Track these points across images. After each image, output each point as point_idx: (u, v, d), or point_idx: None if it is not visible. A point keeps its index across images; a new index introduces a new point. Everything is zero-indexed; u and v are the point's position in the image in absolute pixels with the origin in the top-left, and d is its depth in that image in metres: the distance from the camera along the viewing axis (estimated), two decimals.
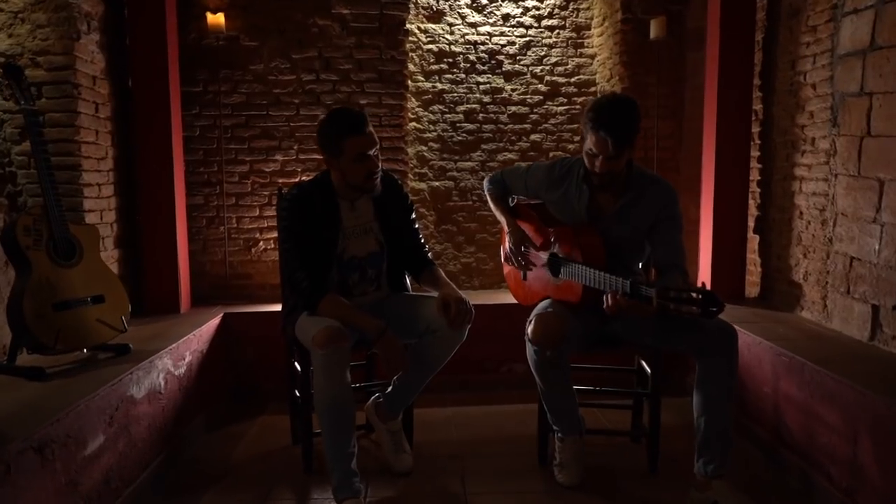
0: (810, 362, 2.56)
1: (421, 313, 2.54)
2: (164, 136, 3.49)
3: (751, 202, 3.76)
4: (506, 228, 2.68)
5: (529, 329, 2.41)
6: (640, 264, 2.37)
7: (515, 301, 2.89)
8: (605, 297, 2.18)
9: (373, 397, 2.83)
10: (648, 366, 2.77)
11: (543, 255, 2.58)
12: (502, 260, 2.82)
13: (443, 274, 2.66)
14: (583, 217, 2.49)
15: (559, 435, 2.62)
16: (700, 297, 1.89)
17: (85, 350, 2.65)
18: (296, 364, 2.81)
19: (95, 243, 2.67)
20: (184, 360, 3.06)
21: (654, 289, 2.01)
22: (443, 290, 2.51)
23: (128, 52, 3.49)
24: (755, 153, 3.74)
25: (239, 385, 3.66)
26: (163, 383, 2.79)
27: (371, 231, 2.61)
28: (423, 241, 2.74)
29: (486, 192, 2.83)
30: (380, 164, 2.48)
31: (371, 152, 2.42)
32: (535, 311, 2.50)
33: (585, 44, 4.35)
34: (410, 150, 4.17)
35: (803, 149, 3.35)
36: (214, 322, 3.53)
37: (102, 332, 2.61)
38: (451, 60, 4.21)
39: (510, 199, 2.79)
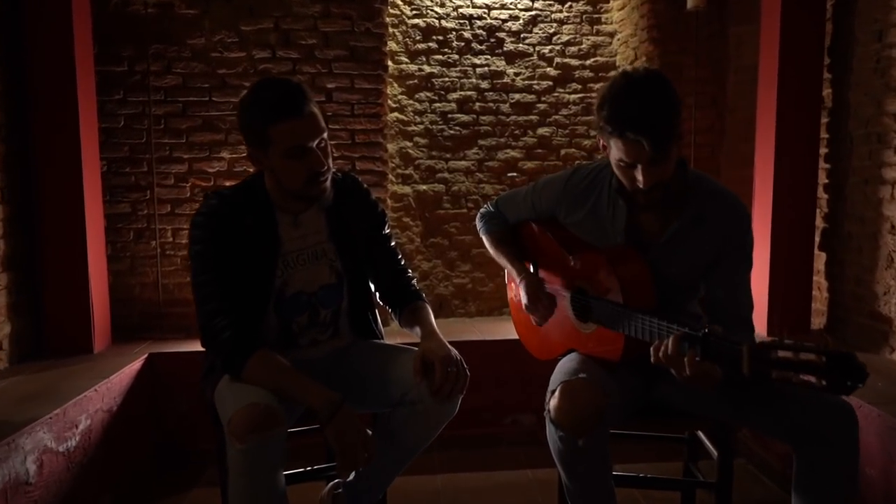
0: None
1: (396, 373, 1.89)
2: (71, 128, 2.89)
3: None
4: (515, 278, 2.11)
5: (552, 404, 1.76)
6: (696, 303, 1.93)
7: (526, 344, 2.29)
8: (657, 351, 1.61)
9: (330, 485, 2.11)
10: (714, 445, 2.05)
11: (565, 293, 1.99)
12: (511, 306, 2.26)
13: (429, 315, 2.02)
14: (620, 242, 1.91)
15: None
16: (826, 360, 1.30)
17: None
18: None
19: None
20: (76, 427, 2.34)
21: (745, 345, 1.42)
22: (425, 342, 1.86)
23: (19, 17, 2.86)
24: (822, 150, 3.18)
25: (167, 446, 3.04)
26: (33, 469, 2.06)
27: (324, 256, 1.96)
28: (403, 264, 2.12)
29: (481, 234, 2.28)
30: (329, 162, 1.84)
31: (313, 143, 1.78)
32: (557, 375, 1.85)
33: (603, 19, 3.94)
34: (391, 147, 3.75)
35: None
36: (135, 366, 2.87)
37: None
38: (441, 38, 3.80)
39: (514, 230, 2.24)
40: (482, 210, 2.26)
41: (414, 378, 1.79)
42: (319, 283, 1.96)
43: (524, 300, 2.06)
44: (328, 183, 1.85)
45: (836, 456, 1.64)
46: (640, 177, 1.71)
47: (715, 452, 2.06)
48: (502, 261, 2.16)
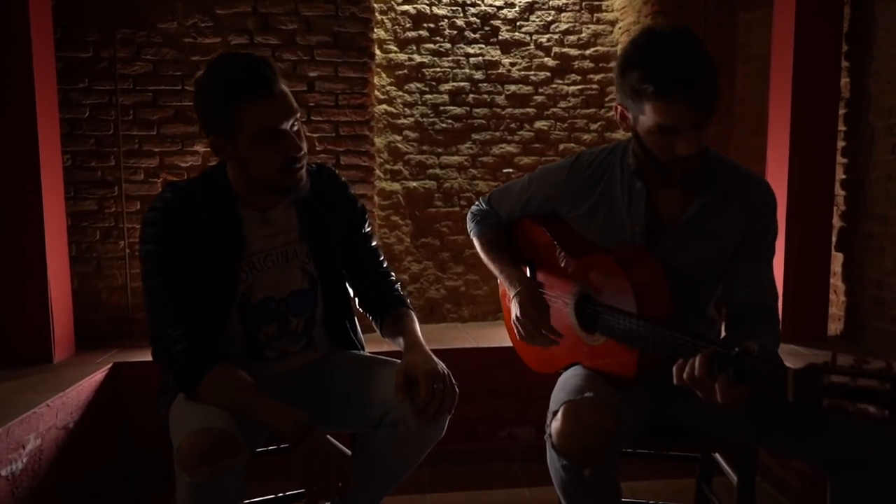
0: None
1: (376, 390, 1.71)
2: (26, 119, 2.71)
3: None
4: (509, 291, 1.92)
5: (554, 427, 1.58)
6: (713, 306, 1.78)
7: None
8: (680, 372, 1.45)
9: None
10: (732, 468, 1.86)
11: (568, 299, 1.81)
12: (506, 315, 2.05)
13: (414, 323, 1.83)
14: (639, 235, 1.73)
15: None
16: (892, 387, 1.14)
17: None
18: None
19: None
20: (22, 448, 2.14)
21: (791, 370, 1.25)
22: (408, 355, 1.68)
23: None
24: (840, 143, 3.07)
25: (134, 465, 2.85)
26: None
27: (295, 257, 1.79)
28: (385, 267, 1.95)
29: (472, 237, 2.10)
30: (304, 146, 1.66)
31: (286, 125, 1.60)
32: (559, 393, 1.67)
33: (604, 6, 3.84)
34: (379, 141, 3.66)
35: None
36: (97, 377, 2.67)
37: None
38: (432, 26, 3.69)
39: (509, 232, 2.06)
40: (473, 208, 2.08)
41: (396, 396, 1.61)
42: (290, 288, 1.78)
43: (515, 313, 1.88)
44: (304, 171, 1.67)
45: (878, 483, 1.47)
46: (683, 143, 1.56)
47: (734, 476, 1.87)
48: (495, 268, 1.99)
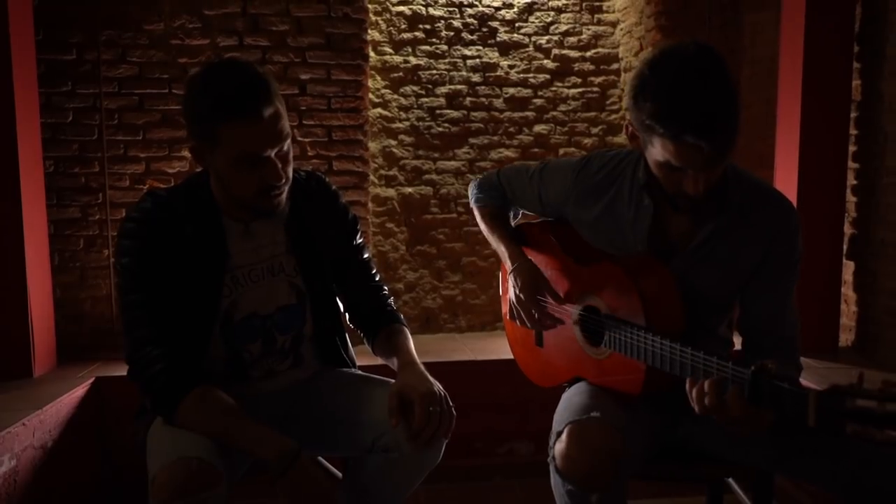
0: None
1: (368, 413, 1.65)
2: (4, 123, 2.67)
3: None
4: (507, 264, 1.86)
5: (557, 449, 1.51)
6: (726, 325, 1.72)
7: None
8: (697, 396, 1.39)
9: None
10: (747, 494, 1.79)
11: (572, 310, 1.75)
12: (504, 314, 1.98)
13: (408, 341, 1.77)
14: (642, 251, 1.68)
15: None
16: None
17: None
18: None
19: None
20: None
21: (813, 392, 1.18)
22: (402, 375, 1.62)
23: None
24: (851, 147, 3.04)
25: (115, 481, 2.78)
26: None
27: (282, 271, 1.72)
28: (378, 280, 1.88)
29: (473, 204, 2.03)
30: (289, 172, 1.60)
31: (271, 153, 1.54)
32: (563, 413, 1.61)
33: (605, 7, 3.92)
34: (373, 146, 3.65)
35: None
36: (78, 393, 2.59)
37: None
38: (428, 27, 3.72)
39: (511, 217, 2.01)
40: (481, 177, 2.02)
41: (389, 420, 1.54)
42: (276, 303, 1.71)
43: (513, 291, 1.82)
44: (283, 196, 1.61)
45: None
46: (691, 183, 1.49)
47: (747, 502, 1.79)
48: (494, 241, 1.93)
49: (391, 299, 1.84)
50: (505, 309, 1.97)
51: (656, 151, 1.50)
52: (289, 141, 1.58)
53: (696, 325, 1.61)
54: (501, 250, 1.88)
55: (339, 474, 1.75)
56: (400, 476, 1.64)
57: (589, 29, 3.81)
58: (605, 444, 1.45)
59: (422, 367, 1.63)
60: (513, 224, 2.02)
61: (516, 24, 3.75)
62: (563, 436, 1.49)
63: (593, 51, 3.82)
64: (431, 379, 1.57)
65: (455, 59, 3.73)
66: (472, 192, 2.02)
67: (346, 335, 1.84)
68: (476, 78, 3.74)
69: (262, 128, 1.51)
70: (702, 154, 1.44)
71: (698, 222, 1.61)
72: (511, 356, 2.08)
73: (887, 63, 2.81)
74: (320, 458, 1.74)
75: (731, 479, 1.99)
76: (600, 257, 1.72)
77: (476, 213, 2.00)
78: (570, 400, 1.63)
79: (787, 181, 2.96)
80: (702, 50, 1.48)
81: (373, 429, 1.60)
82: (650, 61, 1.51)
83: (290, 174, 1.59)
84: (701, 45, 1.52)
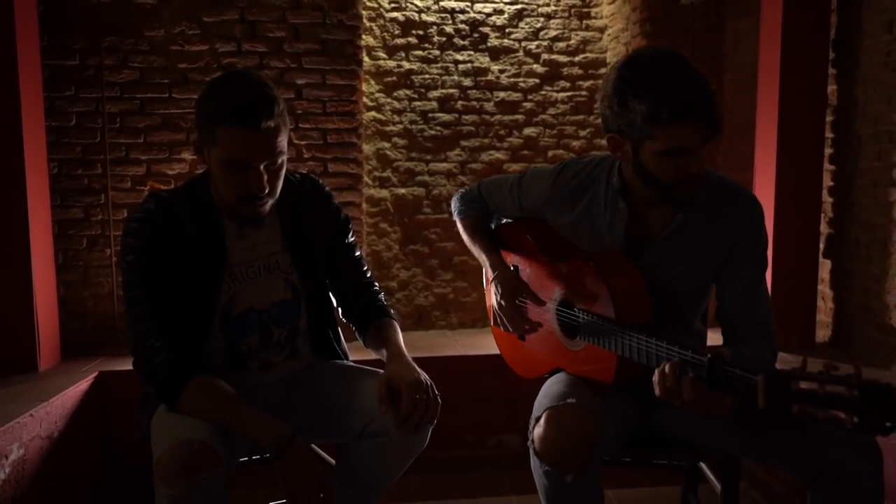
0: None
1: (359, 401, 1.70)
2: (11, 126, 2.68)
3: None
4: (489, 273, 1.92)
5: (536, 433, 1.59)
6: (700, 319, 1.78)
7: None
8: (658, 379, 1.46)
9: None
10: (717, 478, 1.86)
11: (550, 305, 1.81)
12: (490, 319, 2.02)
13: (397, 334, 1.82)
14: (610, 249, 1.76)
15: None
16: (860, 394, 1.12)
17: None
18: None
19: None
20: (6, 458, 2.11)
21: (761, 375, 1.24)
22: (391, 365, 1.67)
23: None
24: (827, 150, 3.07)
25: (118, 472, 2.80)
26: None
27: (278, 268, 1.78)
28: (369, 277, 1.93)
29: (455, 217, 2.08)
30: (277, 186, 1.66)
31: (260, 164, 1.60)
32: (542, 399, 1.68)
33: (593, 13, 3.85)
34: (367, 148, 3.64)
35: None
36: (82, 386, 2.63)
37: None
38: (421, 33, 3.69)
39: (493, 225, 2.08)
40: (462, 190, 2.07)
41: (378, 407, 1.61)
42: (272, 299, 1.77)
43: (495, 298, 1.87)
44: (266, 207, 1.66)
45: (857, 493, 1.48)
46: (694, 162, 1.56)
47: (718, 485, 1.86)
48: (475, 249, 1.98)
49: (381, 295, 1.88)
50: (490, 314, 2.01)
51: (658, 143, 1.55)
52: (283, 158, 1.62)
53: (671, 319, 1.68)
54: (483, 259, 1.93)
55: (333, 462, 1.83)
56: (388, 460, 1.69)
57: (577, 34, 3.78)
58: (580, 428, 1.51)
59: (409, 357, 1.68)
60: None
61: (507, 30, 3.72)
62: (542, 420, 1.56)
63: (581, 56, 3.79)
64: (418, 369, 1.62)
65: (447, 64, 3.70)
66: (454, 205, 2.06)
67: (339, 329, 1.90)
68: (467, 82, 3.71)
69: (257, 139, 1.56)
70: (705, 128, 1.53)
71: (671, 216, 1.68)
72: (498, 352, 2.11)
73: (861, 69, 2.84)
74: (314, 447, 1.81)
75: (703, 465, 2.06)
76: (574, 255, 1.77)
77: (458, 224, 2.04)
78: (549, 388, 1.69)
79: (765, 183, 2.99)
80: (662, 48, 1.59)
81: (363, 416, 1.66)
82: (627, 68, 1.58)
83: (277, 189, 1.64)
84: (663, 47, 1.62)
